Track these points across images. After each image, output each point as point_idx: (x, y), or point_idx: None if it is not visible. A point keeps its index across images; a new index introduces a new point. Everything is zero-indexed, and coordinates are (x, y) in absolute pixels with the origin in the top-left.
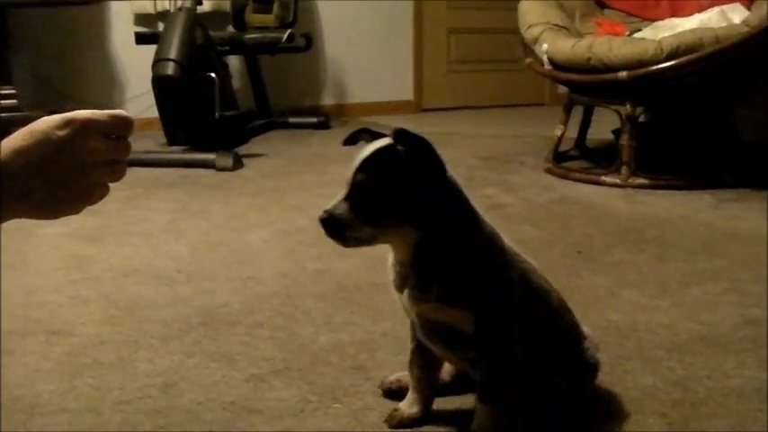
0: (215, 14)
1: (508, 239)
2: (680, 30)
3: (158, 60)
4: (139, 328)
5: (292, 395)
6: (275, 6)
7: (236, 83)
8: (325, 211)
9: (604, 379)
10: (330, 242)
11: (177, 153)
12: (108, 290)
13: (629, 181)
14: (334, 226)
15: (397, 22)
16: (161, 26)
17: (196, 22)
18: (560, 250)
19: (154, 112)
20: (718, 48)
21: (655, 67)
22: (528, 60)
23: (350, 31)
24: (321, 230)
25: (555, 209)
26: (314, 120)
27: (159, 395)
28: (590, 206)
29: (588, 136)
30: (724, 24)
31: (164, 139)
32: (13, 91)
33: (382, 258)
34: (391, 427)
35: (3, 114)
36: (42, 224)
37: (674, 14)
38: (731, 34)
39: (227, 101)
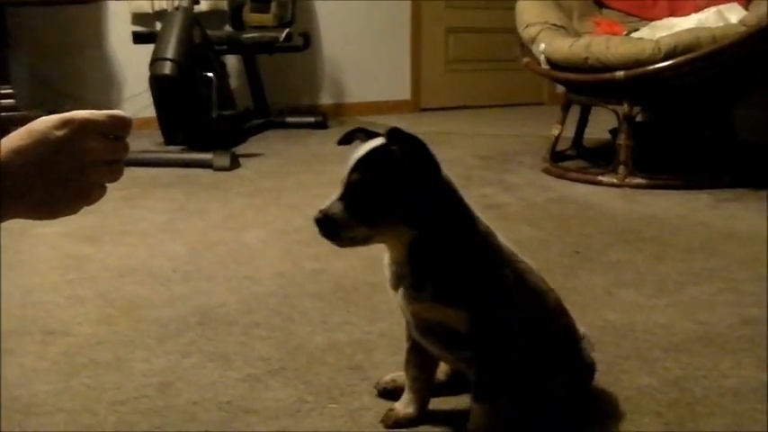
0: (212, 14)
1: (505, 239)
2: (677, 29)
3: (156, 60)
4: (136, 328)
5: (289, 395)
6: (273, 6)
7: (233, 82)
8: (320, 211)
9: (601, 378)
10: (327, 242)
11: (174, 153)
12: (104, 289)
13: (627, 180)
14: (329, 226)
15: (395, 21)
16: (158, 25)
17: (194, 21)
18: (558, 250)
19: (151, 112)
20: (715, 47)
21: (652, 67)
22: (526, 60)
23: (348, 30)
24: (317, 230)
25: (552, 208)
26: (311, 119)
27: (156, 395)
28: (587, 206)
29: (586, 135)
30: (721, 24)
31: (161, 139)
32: (10, 90)
33: (379, 258)
34: (387, 427)
35: (1, 114)
36: (39, 224)
37: (672, 14)
38: (728, 34)
39: (224, 100)
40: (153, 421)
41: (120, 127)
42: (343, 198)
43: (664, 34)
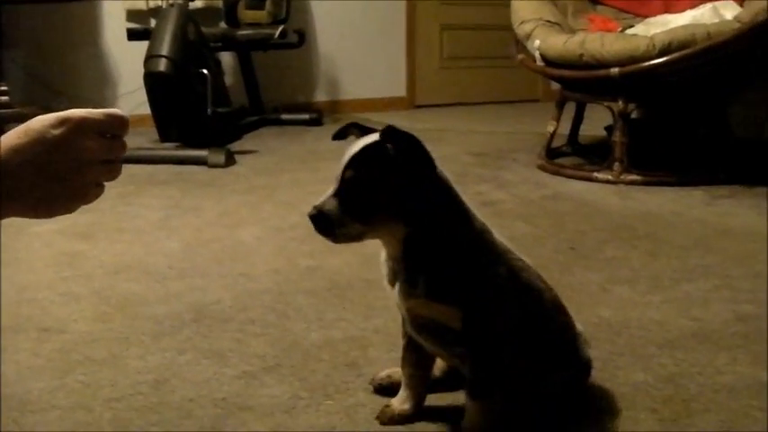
0: (207, 10)
1: (501, 236)
2: (672, 26)
3: (150, 57)
4: (131, 325)
5: (284, 392)
6: (268, 3)
7: (228, 79)
8: (315, 207)
9: (596, 375)
10: (322, 239)
11: (169, 150)
12: (99, 287)
13: (622, 177)
14: (323, 222)
15: (390, 18)
16: (153, 22)
17: (188, 18)
18: (553, 246)
19: (146, 109)
20: (710, 44)
21: (647, 64)
22: (520, 57)
23: (343, 27)
24: (312, 226)
25: (547, 205)
26: (306, 116)
27: (150, 392)
28: (582, 203)
29: (581, 132)
30: (716, 21)
31: (156, 136)
32: (5, 87)
33: (374, 255)
34: (382, 423)
35: None
36: (34, 221)
37: (667, 11)
38: (723, 30)
39: (219, 97)
40: (148, 418)
41: (118, 126)
42: (337, 194)
43: (658, 31)
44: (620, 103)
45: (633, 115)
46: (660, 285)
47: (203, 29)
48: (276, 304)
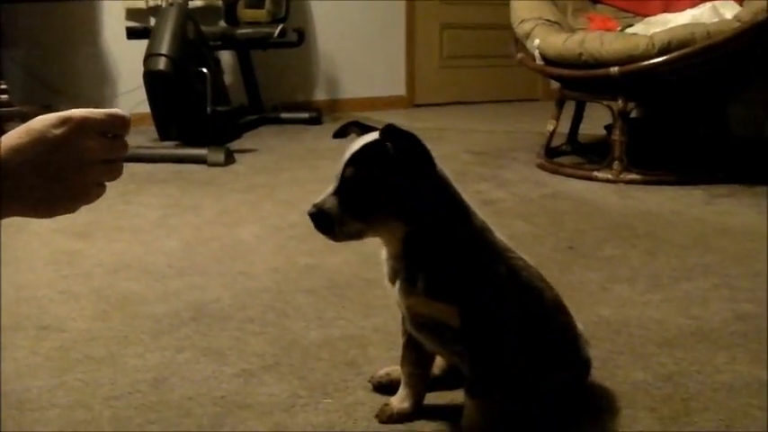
0: (207, 9)
1: (501, 235)
2: (672, 25)
3: (150, 55)
4: (130, 324)
5: (283, 390)
6: (267, 1)
7: (227, 78)
8: (314, 206)
9: (595, 374)
10: (321, 237)
11: (169, 148)
12: (98, 285)
13: (621, 176)
14: (323, 220)
15: (390, 17)
16: (153, 21)
17: (188, 17)
18: (552, 245)
19: (145, 108)
20: (709, 43)
21: (646, 63)
22: (520, 56)
23: (342, 26)
24: (312, 226)
25: (547, 204)
26: (306, 115)
27: (149, 390)
28: (582, 201)
29: (580, 131)
30: (716, 20)
31: (155, 135)
32: (4, 86)
33: (373, 254)
34: (381, 422)
35: None
36: (33, 220)
37: (666, 10)
38: (723, 30)
39: (218, 96)
40: (147, 416)
41: (119, 126)
42: (337, 193)
43: (658, 30)
44: (620, 102)
45: (633, 114)
46: (659, 284)
47: (203, 27)
48: (275, 303)
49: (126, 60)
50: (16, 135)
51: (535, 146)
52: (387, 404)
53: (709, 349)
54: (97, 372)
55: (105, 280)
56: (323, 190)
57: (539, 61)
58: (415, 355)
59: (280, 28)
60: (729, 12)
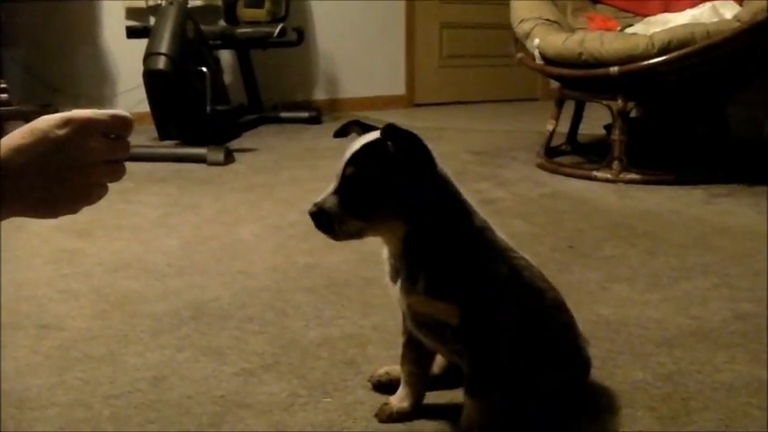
0: (206, 9)
1: (502, 234)
2: (671, 25)
3: (149, 54)
4: (130, 323)
5: (282, 389)
6: (267, 1)
7: (227, 77)
8: (315, 205)
9: (595, 373)
10: (321, 237)
11: (168, 147)
12: (98, 284)
13: (621, 176)
14: (324, 219)
15: (390, 16)
16: (152, 20)
17: (187, 16)
18: (551, 245)
19: (145, 107)
20: (709, 43)
21: (646, 62)
22: (520, 55)
23: (342, 25)
24: (312, 225)
25: (546, 204)
26: (305, 114)
27: (149, 389)
28: (581, 201)
29: (580, 131)
30: (716, 20)
31: (155, 134)
32: (4, 85)
33: (373, 253)
34: (381, 421)
35: None
36: (33, 219)
37: (666, 10)
38: (723, 29)
39: (218, 95)
40: (147, 415)
41: (122, 127)
42: (337, 192)
43: (658, 30)
44: (620, 101)
45: (632, 114)
46: (659, 284)
47: (202, 27)
48: (275, 302)
49: (126, 59)
50: (19, 135)
51: (535, 145)
52: (386, 403)
53: (708, 349)
54: (97, 370)
55: (105, 279)
56: (322, 189)
57: (538, 61)
58: (414, 355)
59: (279, 27)
60: (729, 12)
